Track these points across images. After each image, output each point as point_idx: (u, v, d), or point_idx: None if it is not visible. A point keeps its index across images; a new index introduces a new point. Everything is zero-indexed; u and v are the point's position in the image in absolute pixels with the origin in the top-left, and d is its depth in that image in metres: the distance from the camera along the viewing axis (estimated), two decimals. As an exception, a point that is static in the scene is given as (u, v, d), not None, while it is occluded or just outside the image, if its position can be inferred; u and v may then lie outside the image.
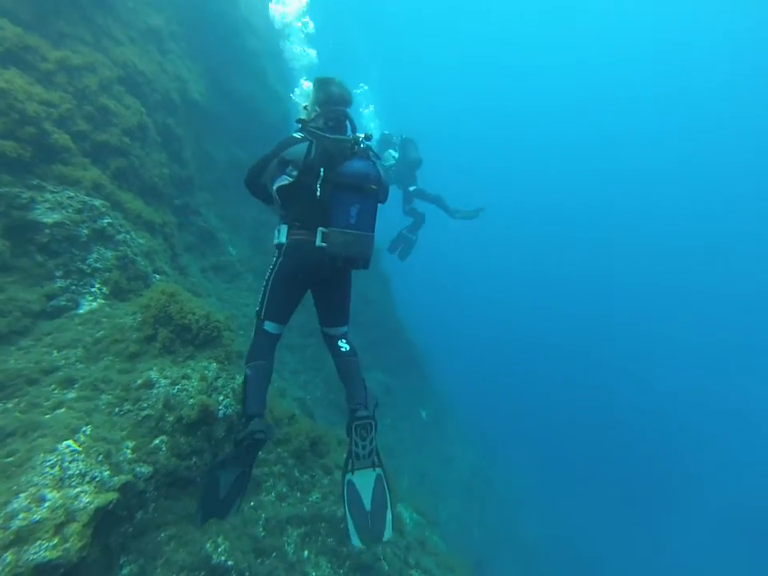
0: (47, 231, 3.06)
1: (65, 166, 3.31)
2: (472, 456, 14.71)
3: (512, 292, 37.64)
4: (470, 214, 8.80)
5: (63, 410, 2.29)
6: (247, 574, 2.60)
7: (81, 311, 3.13)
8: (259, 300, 2.70)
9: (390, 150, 8.50)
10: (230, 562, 2.53)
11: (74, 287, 3.16)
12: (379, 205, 2.71)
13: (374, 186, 2.51)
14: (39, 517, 1.70)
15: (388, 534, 2.60)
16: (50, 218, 3.09)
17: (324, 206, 2.54)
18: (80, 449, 2.05)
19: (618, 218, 43.17)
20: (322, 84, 2.91)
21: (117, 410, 2.49)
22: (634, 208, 42.71)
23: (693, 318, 35.80)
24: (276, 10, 7.84)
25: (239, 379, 3.31)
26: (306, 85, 6.78)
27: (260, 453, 2.94)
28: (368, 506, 2.59)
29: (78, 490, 1.86)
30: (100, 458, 2.09)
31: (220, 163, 6.90)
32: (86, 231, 3.27)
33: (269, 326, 2.67)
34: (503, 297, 36.50)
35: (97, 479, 1.98)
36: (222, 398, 3.05)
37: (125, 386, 2.60)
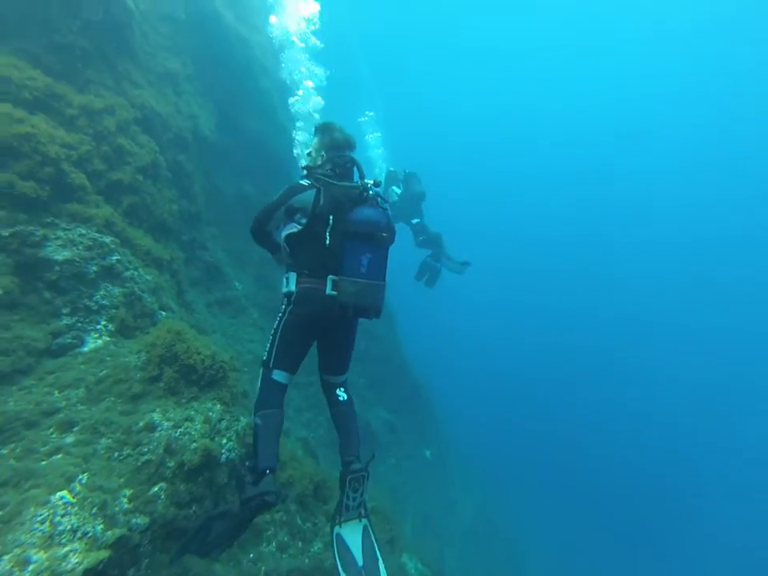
0: (57, 268, 3.06)
1: (79, 204, 3.36)
2: (476, 496, 14.23)
3: (514, 322, 37.48)
4: (456, 267, 8.74)
5: (60, 455, 2.21)
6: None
7: (85, 349, 3.08)
8: (267, 348, 2.62)
9: (393, 187, 8.67)
10: (227, 624, 2.38)
11: (79, 324, 3.13)
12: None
13: (384, 234, 2.50)
14: (22, 582, 1.60)
15: None
16: (61, 255, 3.10)
17: (334, 254, 2.51)
18: (74, 500, 1.95)
19: (620, 250, 43.37)
20: (324, 129, 2.93)
21: (116, 454, 2.41)
22: (639, 238, 42.82)
23: (705, 358, 35.26)
24: (276, 25, 7.98)
25: (243, 421, 3.23)
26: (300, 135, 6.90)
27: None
28: (360, 561, 2.48)
29: (67, 549, 1.76)
30: (94, 510, 1.99)
31: (228, 197, 7.02)
32: (94, 268, 3.28)
33: (278, 376, 2.57)
34: (505, 328, 36.33)
35: (89, 535, 1.87)
36: (225, 441, 2.97)
37: (126, 429, 2.52)
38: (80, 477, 2.07)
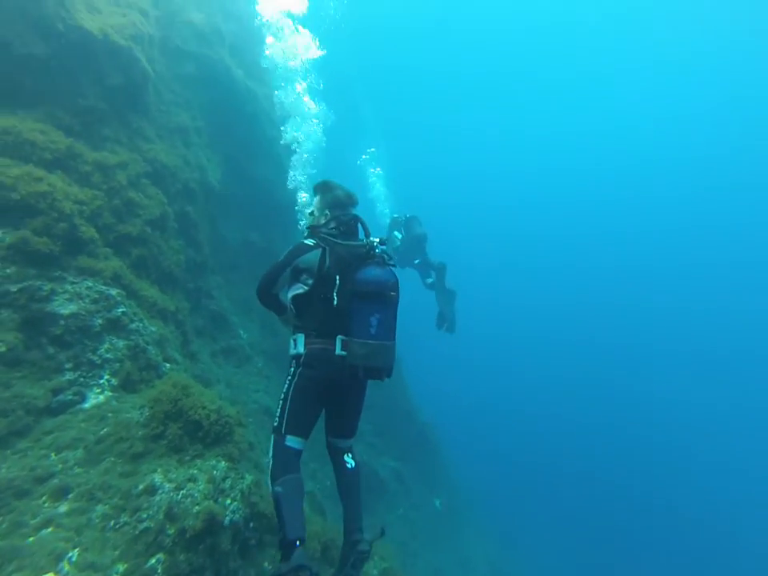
0: (62, 323, 3.03)
1: (89, 257, 3.40)
2: (490, 550, 13.43)
3: (520, 360, 36.94)
4: (449, 317, 8.73)
5: (51, 528, 2.07)
6: None
7: (87, 405, 2.99)
8: (278, 414, 2.51)
9: (395, 232, 8.82)
10: None
11: (82, 379, 3.06)
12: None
13: (393, 293, 2.46)
14: None
15: None
16: (67, 309, 3.08)
17: (342, 315, 2.47)
18: (62, 583, 1.81)
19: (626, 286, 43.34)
20: (325, 188, 2.91)
21: (112, 522, 2.26)
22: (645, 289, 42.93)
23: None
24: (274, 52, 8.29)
25: (248, 478, 3.09)
26: (304, 196, 7.06)
27: None
28: None
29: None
30: (85, 592, 1.84)
31: (233, 245, 7.11)
32: (99, 321, 3.25)
33: (291, 442, 2.46)
34: (511, 365, 35.80)
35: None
36: (229, 501, 2.81)
37: (124, 493, 2.39)
38: (70, 554, 1.93)
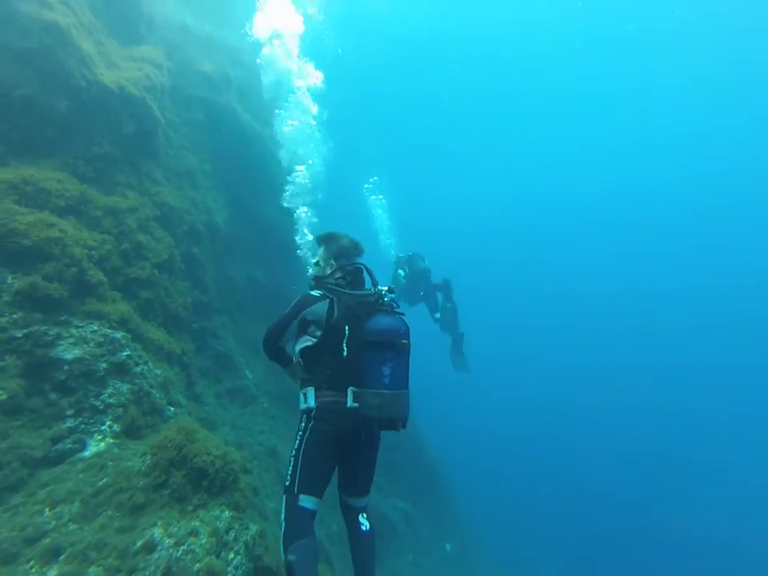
0: (66, 368, 2.99)
1: (97, 300, 3.41)
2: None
3: (520, 383, 36.36)
4: (458, 352, 8.75)
5: (38, 599, 1.94)
6: None
7: (86, 454, 2.90)
8: (289, 472, 2.36)
9: (399, 270, 8.93)
10: None
11: (83, 426, 2.98)
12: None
13: (404, 341, 2.38)
14: None
15: None
16: (71, 354, 3.05)
17: (352, 366, 2.40)
18: None
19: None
20: (330, 238, 2.89)
21: (106, 586, 2.13)
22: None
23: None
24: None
25: (253, 529, 2.96)
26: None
27: None
28: None
29: None
30: None
31: (238, 284, 7.13)
32: (104, 365, 3.21)
33: (305, 502, 2.29)
34: (511, 390, 35.20)
35: None
36: (232, 556, 2.67)
37: (121, 552, 2.25)
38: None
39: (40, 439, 2.68)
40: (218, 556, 2.57)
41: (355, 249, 2.83)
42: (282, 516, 2.30)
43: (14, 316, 2.96)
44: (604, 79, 34.80)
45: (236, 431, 4.95)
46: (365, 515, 2.54)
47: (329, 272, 2.78)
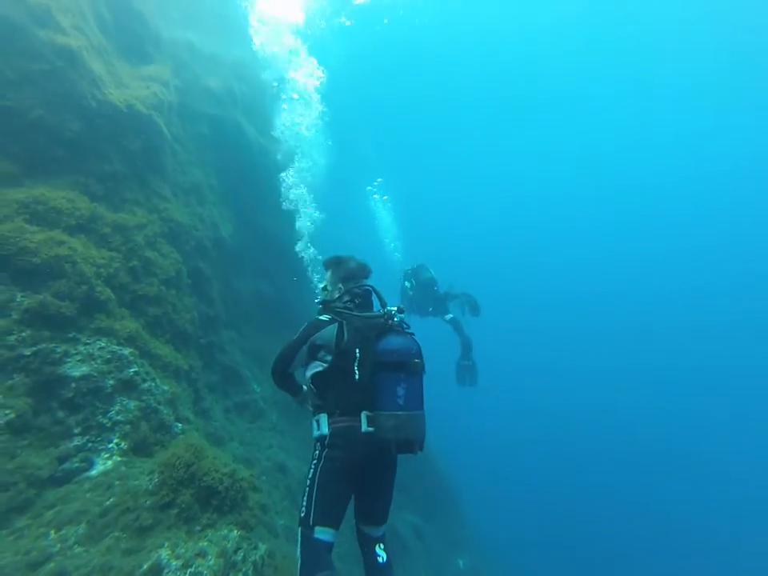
0: (73, 385, 2.98)
1: (105, 317, 3.41)
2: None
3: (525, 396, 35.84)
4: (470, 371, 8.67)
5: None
6: None
7: (93, 473, 2.86)
8: (304, 503, 2.26)
9: (406, 282, 8.92)
10: None
11: (90, 444, 2.96)
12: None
13: (417, 361, 2.33)
14: None
15: None
16: (78, 371, 3.03)
17: (365, 389, 2.34)
18: None
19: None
20: (337, 262, 2.84)
21: (111, 612, 2.08)
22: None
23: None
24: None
25: (262, 548, 2.89)
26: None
27: None
28: None
29: None
30: None
31: (245, 297, 7.12)
32: (111, 382, 3.19)
33: (321, 534, 2.18)
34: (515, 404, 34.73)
35: None
36: (240, 577, 2.60)
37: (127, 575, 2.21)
38: None
39: (47, 458, 2.65)
40: (226, 579, 2.51)
41: (363, 271, 2.78)
42: (298, 551, 2.19)
43: (23, 334, 2.96)
44: (605, 79, 34.86)
45: (244, 446, 4.89)
46: (382, 546, 2.42)
47: (336, 296, 2.73)
